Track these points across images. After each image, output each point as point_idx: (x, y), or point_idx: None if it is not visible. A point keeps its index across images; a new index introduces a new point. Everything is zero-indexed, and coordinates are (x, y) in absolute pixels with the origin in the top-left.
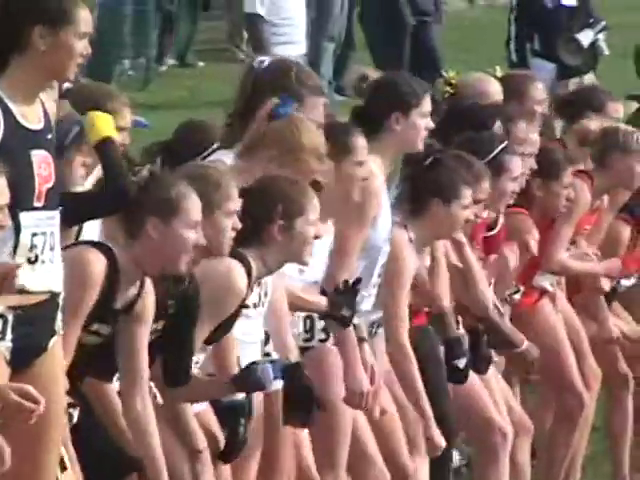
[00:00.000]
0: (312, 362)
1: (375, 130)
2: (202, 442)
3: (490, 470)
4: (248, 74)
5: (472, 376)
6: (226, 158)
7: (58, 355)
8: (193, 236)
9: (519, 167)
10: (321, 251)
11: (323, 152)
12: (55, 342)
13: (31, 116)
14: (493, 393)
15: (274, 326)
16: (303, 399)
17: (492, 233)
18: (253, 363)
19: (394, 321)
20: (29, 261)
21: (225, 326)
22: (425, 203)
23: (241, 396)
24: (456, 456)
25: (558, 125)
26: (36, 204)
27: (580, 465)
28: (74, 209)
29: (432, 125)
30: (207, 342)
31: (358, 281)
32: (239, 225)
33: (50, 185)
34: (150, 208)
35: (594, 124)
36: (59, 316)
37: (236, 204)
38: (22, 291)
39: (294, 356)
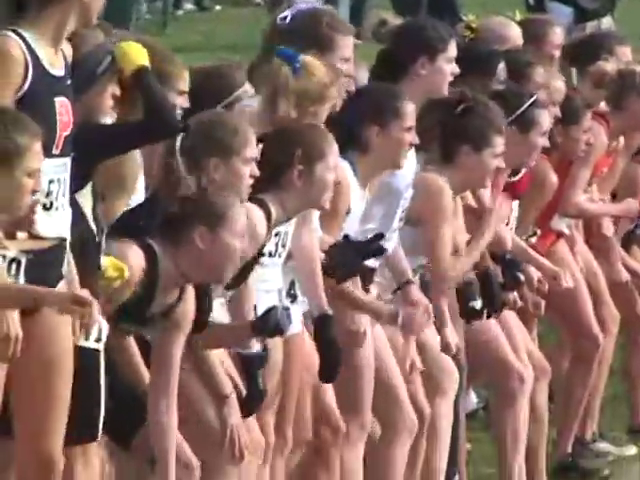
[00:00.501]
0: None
1: (401, 75)
2: (228, 387)
3: (507, 413)
4: (273, 29)
5: (490, 320)
6: (254, 102)
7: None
8: (239, 245)
9: (548, 121)
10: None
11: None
12: (61, 286)
13: (55, 62)
14: (512, 337)
15: (305, 275)
16: (331, 353)
17: (516, 179)
18: (272, 308)
19: (436, 258)
20: (44, 207)
21: (244, 271)
22: (455, 150)
23: (257, 348)
24: (473, 399)
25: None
26: (54, 151)
27: (598, 408)
28: (114, 140)
29: (457, 70)
30: (226, 287)
31: (379, 236)
32: (257, 172)
33: (68, 132)
34: (197, 217)
35: (610, 66)
36: (66, 261)
37: (254, 151)
38: (36, 237)
39: (325, 305)
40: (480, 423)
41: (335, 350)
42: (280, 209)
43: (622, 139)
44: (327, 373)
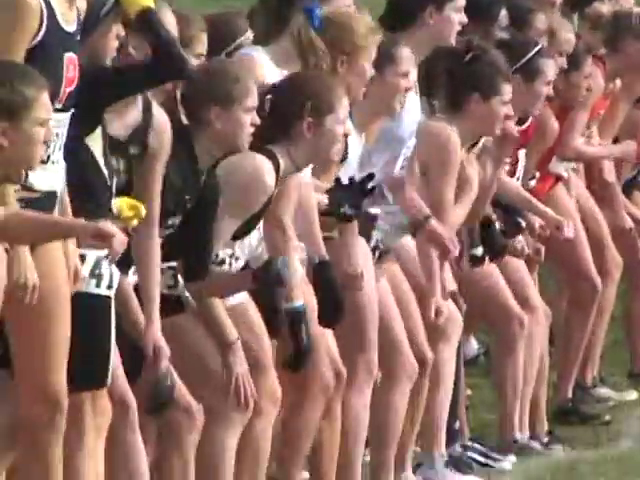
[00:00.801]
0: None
1: (408, 23)
2: (232, 334)
3: (508, 359)
4: None
5: (491, 266)
6: (255, 52)
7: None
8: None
9: (553, 70)
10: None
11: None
12: None
13: (69, 17)
14: (513, 283)
15: (304, 225)
16: (332, 296)
17: (522, 127)
18: (272, 258)
19: (441, 206)
20: (41, 161)
21: (252, 222)
22: (464, 99)
23: (299, 303)
24: (474, 345)
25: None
26: (57, 106)
27: (599, 353)
28: (122, 81)
29: (466, 20)
30: (233, 238)
31: (370, 177)
32: (257, 120)
33: (72, 88)
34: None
35: (606, 8)
36: (56, 211)
37: (254, 100)
38: (30, 189)
39: (323, 251)
40: (481, 369)
41: (337, 293)
42: (289, 161)
43: (618, 81)
44: (329, 317)
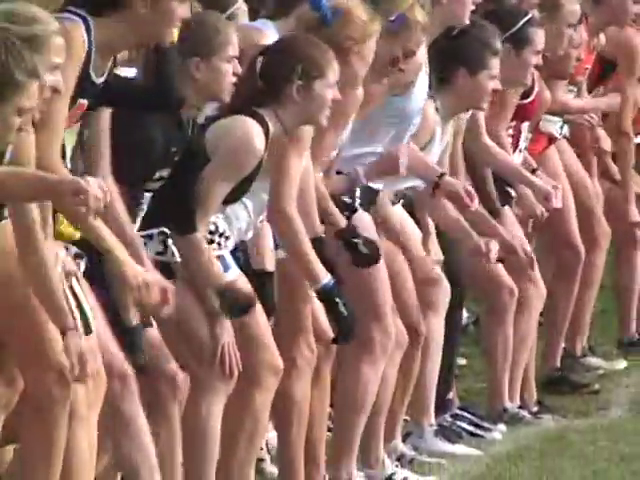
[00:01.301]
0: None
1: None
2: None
3: (498, 328)
4: None
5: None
6: (263, 25)
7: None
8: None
9: (542, 40)
10: None
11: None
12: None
13: (101, 69)
14: None
15: (301, 207)
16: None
17: (527, 101)
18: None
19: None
20: None
21: (243, 185)
22: (451, 73)
23: (327, 279)
24: (464, 314)
25: None
26: None
27: (588, 322)
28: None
29: None
30: (224, 202)
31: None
32: (239, 69)
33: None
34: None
35: None
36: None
37: (235, 50)
38: None
39: (318, 228)
40: (470, 338)
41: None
42: (278, 124)
43: (602, 37)
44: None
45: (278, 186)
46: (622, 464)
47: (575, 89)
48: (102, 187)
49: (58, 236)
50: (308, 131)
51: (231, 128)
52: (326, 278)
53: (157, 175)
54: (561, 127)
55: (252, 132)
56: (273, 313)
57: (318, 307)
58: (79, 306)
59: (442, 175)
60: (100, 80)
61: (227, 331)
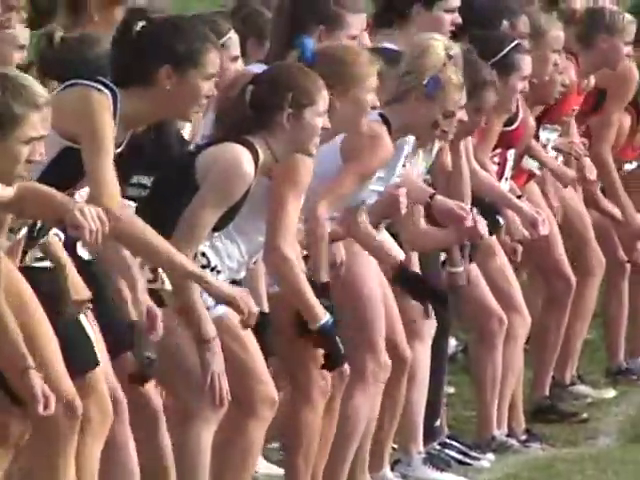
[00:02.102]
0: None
1: (399, 21)
2: (211, 331)
3: (487, 356)
4: (284, 2)
5: (470, 264)
6: (258, 70)
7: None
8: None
9: (529, 66)
10: None
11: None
12: None
13: (119, 140)
14: (498, 279)
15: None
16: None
17: (511, 128)
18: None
19: None
20: None
21: (232, 212)
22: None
23: (326, 318)
24: (452, 342)
25: None
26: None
27: (579, 351)
28: None
29: (459, 21)
30: (214, 229)
31: None
32: (214, 92)
33: None
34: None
35: (579, 3)
36: None
37: (215, 68)
38: None
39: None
40: (459, 366)
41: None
42: (268, 151)
43: (592, 78)
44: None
45: (274, 225)
46: None
47: (560, 129)
48: (101, 218)
49: None
50: (307, 172)
51: (220, 154)
52: (325, 317)
53: (135, 180)
54: (539, 168)
55: (241, 158)
56: (271, 354)
57: None
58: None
59: (433, 195)
60: (116, 151)
61: (217, 359)
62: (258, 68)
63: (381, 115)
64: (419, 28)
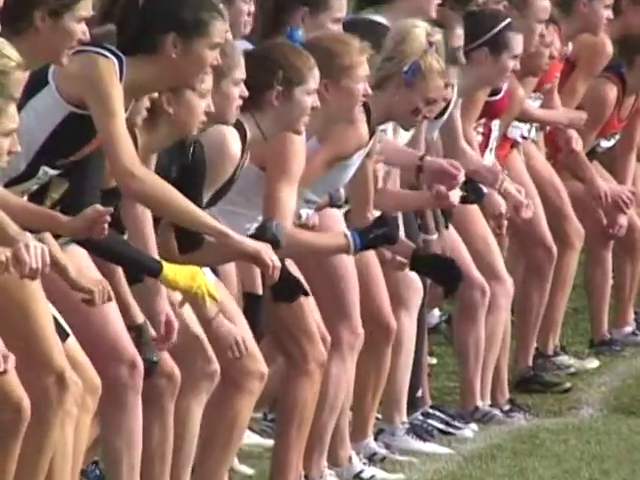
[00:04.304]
0: None
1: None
2: (213, 310)
3: (470, 326)
4: None
5: (454, 234)
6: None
7: None
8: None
9: (520, 45)
10: None
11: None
12: None
13: (125, 108)
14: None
15: None
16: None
17: (495, 98)
18: (266, 221)
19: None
20: None
21: (222, 191)
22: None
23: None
24: (436, 312)
25: None
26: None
27: (560, 322)
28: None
29: None
30: (204, 207)
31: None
32: (246, 93)
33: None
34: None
35: None
36: None
37: (243, 73)
38: None
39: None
40: (442, 337)
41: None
42: (256, 129)
43: (571, 45)
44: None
45: (270, 214)
46: (593, 463)
47: (542, 96)
48: (44, 258)
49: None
50: (297, 157)
51: (207, 134)
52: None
53: None
54: (528, 130)
55: (227, 138)
56: (262, 337)
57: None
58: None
59: (423, 157)
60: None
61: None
62: (243, 45)
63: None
64: (410, 3)
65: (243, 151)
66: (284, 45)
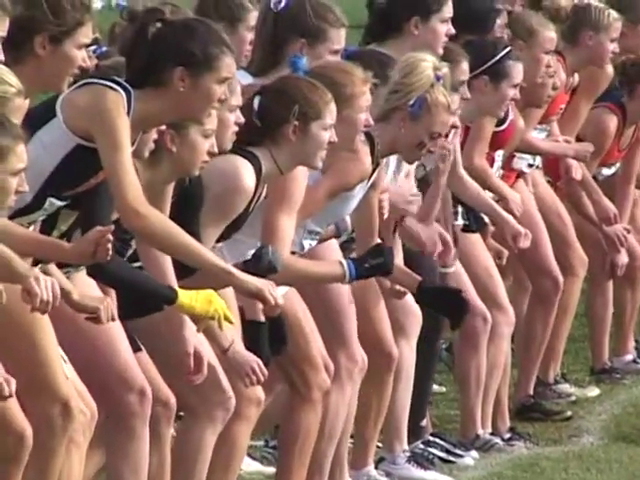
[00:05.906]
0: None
1: (394, 33)
2: (225, 340)
3: (471, 354)
4: (267, 14)
5: (457, 263)
6: (243, 79)
7: None
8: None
9: (521, 74)
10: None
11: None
12: None
13: (132, 141)
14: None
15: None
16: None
17: (501, 128)
18: (262, 247)
19: None
20: None
21: (235, 224)
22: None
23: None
24: None
25: None
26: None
27: (562, 350)
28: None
29: (453, 31)
30: (217, 240)
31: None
32: (242, 119)
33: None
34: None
35: (564, 1)
36: None
37: (239, 99)
38: None
39: None
40: (443, 365)
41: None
42: (272, 164)
43: (577, 76)
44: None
45: (267, 242)
46: None
47: (548, 128)
48: (55, 289)
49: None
50: (298, 187)
51: (222, 168)
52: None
53: None
54: (534, 158)
55: (241, 171)
56: (269, 363)
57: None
58: None
59: (402, 218)
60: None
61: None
62: (242, 76)
63: (366, 133)
64: (416, 40)
65: (257, 185)
66: (300, 80)
